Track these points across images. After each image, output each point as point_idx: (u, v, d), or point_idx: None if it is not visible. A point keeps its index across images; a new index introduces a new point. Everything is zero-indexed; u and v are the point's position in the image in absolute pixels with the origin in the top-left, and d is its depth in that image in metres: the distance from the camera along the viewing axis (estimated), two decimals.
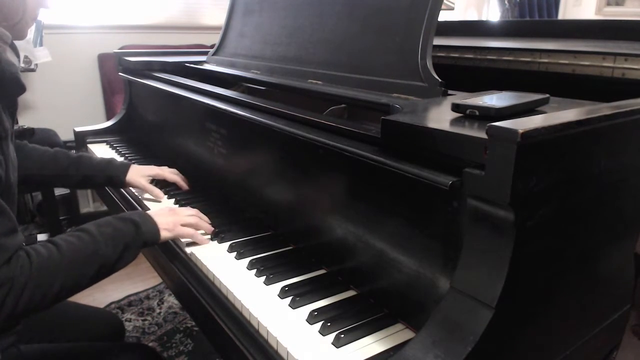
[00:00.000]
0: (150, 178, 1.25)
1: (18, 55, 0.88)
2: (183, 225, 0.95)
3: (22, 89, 0.81)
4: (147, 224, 0.89)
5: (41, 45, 2.50)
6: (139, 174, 1.23)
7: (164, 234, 0.91)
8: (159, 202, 1.21)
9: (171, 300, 2.16)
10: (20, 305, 0.68)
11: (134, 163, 1.47)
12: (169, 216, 0.95)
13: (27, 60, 2.46)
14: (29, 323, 0.96)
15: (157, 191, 1.21)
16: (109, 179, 1.22)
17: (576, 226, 0.66)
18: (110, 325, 1.21)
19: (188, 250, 0.95)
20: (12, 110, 0.83)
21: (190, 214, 0.99)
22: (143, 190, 1.23)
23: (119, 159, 1.55)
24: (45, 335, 1.05)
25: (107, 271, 0.81)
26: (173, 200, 1.20)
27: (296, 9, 1.23)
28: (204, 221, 1.01)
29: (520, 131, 0.50)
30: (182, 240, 0.97)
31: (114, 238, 0.81)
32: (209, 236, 0.99)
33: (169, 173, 1.27)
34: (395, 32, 0.96)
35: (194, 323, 1.96)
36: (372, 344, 0.68)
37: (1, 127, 0.75)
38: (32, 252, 0.72)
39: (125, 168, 1.22)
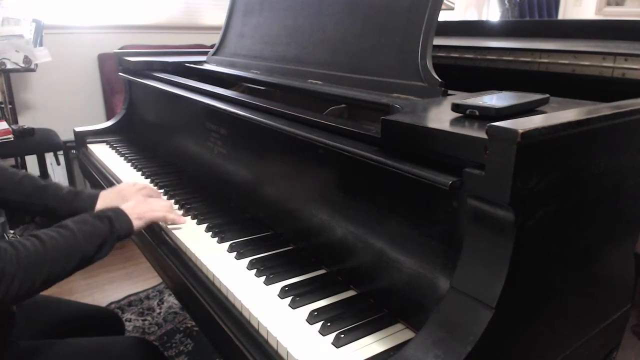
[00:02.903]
0: None
1: None
2: (155, 210, 1.01)
3: None
4: (120, 219, 0.94)
5: (41, 45, 2.50)
6: (109, 205, 1.10)
7: (137, 223, 0.97)
8: None
9: (171, 300, 2.16)
10: (10, 294, 0.73)
11: (134, 164, 1.47)
12: (141, 206, 1.00)
13: (27, 60, 2.46)
14: (29, 320, 0.96)
15: None
16: (74, 213, 1.02)
17: (576, 226, 0.66)
18: (110, 322, 1.21)
19: (188, 248, 0.95)
20: None
21: (161, 203, 1.05)
22: None
23: (119, 158, 1.55)
24: (44, 332, 1.05)
25: (86, 264, 0.87)
26: (173, 200, 1.20)
27: (296, 9, 1.23)
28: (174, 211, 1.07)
29: (520, 131, 0.50)
30: (181, 239, 0.97)
31: (92, 235, 0.87)
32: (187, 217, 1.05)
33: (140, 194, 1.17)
34: (395, 32, 0.96)
35: (194, 323, 1.96)
36: (372, 344, 0.68)
37: None
38: (18, 246, 0.76)
39: (92, 200, 1.10)
